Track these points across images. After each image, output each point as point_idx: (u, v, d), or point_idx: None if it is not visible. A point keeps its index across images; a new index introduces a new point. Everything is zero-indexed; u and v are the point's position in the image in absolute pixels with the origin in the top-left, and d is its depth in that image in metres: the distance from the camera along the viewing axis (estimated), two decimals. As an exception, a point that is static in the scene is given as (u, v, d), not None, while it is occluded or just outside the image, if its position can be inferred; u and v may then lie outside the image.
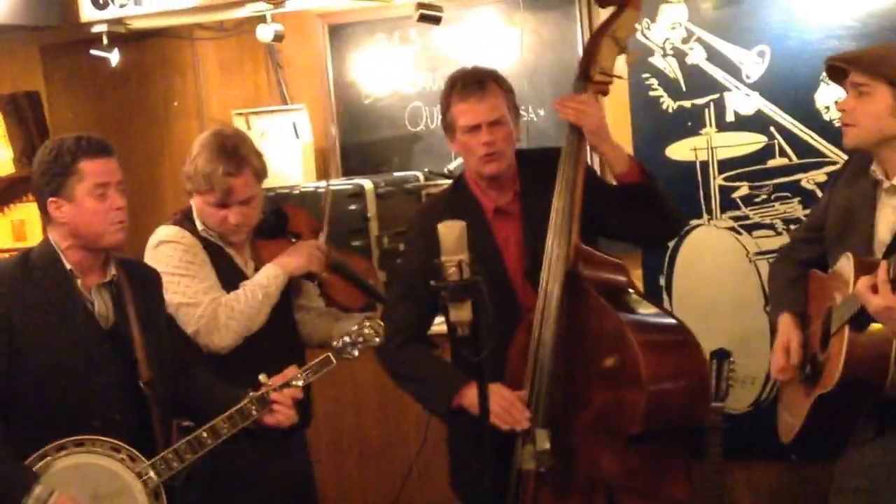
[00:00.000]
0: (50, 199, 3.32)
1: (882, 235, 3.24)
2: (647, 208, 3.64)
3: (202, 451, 3.36)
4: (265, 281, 3.82)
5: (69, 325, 3.30)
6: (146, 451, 3.31)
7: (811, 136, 4.55)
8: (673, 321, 3.60)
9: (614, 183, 3.72)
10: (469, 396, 3.50)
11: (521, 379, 3.54)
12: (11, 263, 3.39)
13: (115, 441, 3.27)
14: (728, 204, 4.70)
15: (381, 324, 3.63)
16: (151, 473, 3.28)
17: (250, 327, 3.77)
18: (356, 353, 3.60)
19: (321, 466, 4.24)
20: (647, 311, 3.60)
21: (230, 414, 3.40)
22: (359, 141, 5.47)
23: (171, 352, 3.54)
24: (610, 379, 3.43)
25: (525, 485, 3.55)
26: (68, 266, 3.33)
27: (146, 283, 3.53)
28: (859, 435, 3.33)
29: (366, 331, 3.61)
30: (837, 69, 3.37)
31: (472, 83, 3.67)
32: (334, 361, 3.57)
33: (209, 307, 3.73)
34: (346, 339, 3.60)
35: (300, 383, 3.52)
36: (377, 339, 3.61)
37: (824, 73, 3.61)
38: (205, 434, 3.37)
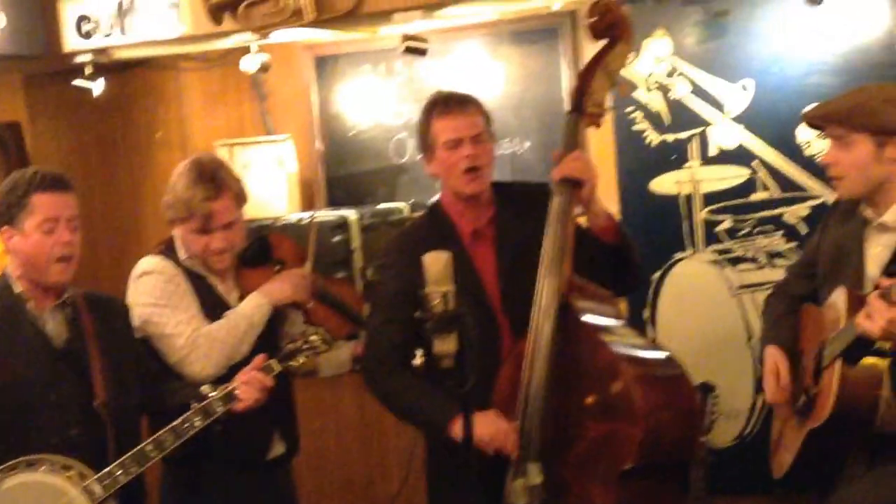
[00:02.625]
0: (4, 228, 3.44)
1: (871, 271, 3.27)
2: (617, 264, 3.63)
3: (147, 464, 3.43)
4: (249, 311, 3.80)
5: (20, 345, 3.41)
6: (103, 468, 3.39)
7: (794, 170, 4.57)
8: (664, 354, 3.57)
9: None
10: (459, 429, 3.49)
11: (509, 409, 3.52)
12: None
13: (68, 459, 3.35)
14: (712, 237, 4.71)
15: (328, 333, 3.71)
16: (97, 488, 3.35)
17: (232, 357, 3.75)
18: (302, 359, 3.67)
19: (303, 500, 4.20)
20: (638, 343, 3.59)
21: (173, 426, 3.47)
22: (344, 172, 5.46)
23: (135, 374, 3.60)
24: (604, 413, 3.40)
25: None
26: (18, 290, 3.45)
27: (108, 309, 3.63)
28: (850, 470, 3.35)
29: (312, 337, 3.69)
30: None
31: (453, 101, 3.71)
32: (276, 369, 3.62)
33: (191, 337, 3.72)
34: (291, 346, 3.66)
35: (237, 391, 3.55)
36: (324, 347, 3.70)
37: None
38: (149, 447, 3.44)
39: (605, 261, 3.60)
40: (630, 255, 3.64)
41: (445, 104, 3.71)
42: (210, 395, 3.51)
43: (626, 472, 3.33)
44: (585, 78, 3.64)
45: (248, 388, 3.52)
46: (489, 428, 3.44)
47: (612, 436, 3.37)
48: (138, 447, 3.43)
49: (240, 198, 3.84)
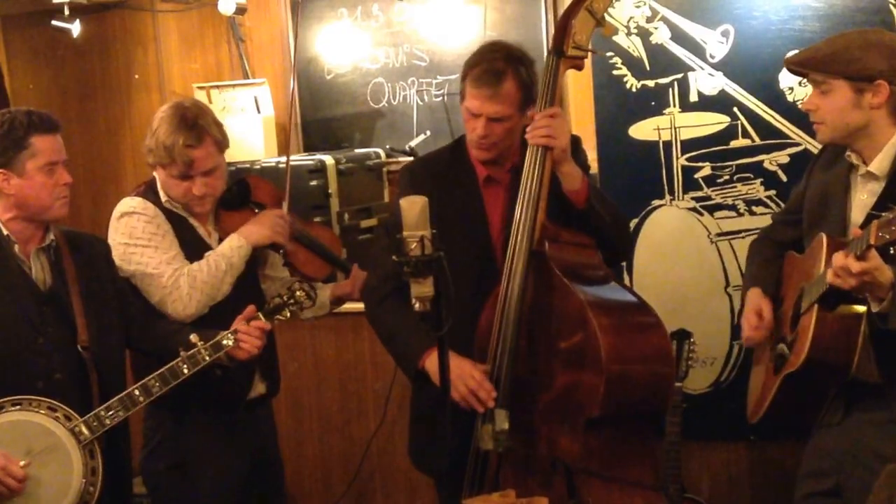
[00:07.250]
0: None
1: (855, 218, 3.27)
2: (593, 230, 3.61)
3: (134, 408, 3.46)
4: (229, 251, 3.82)
5: (7, 288, 3.41)
6: (88, 411, 3.40)
7: (774, 117, 4.55)
8: (637, 302, 3.54)
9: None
10: (432, 362, 3.50)
11: (487, 352, 3.53)
12: None
13: (53, 401, 3.37)
14: (690, 184, 4.69)
15: (313, 287, 3.73)
16: (84, 429, 3.37)
17: (214, 296, 3.79)
18: (287, 314, 3.68)
19: (281, 440, 4.23)
20: (612, 292, 3.56)
21: (161, 372, 3.49)
22: (320, 116, 5.43)
23: (118, 317, 3.62)
24: (571, 360, 3.40)
25: (487, 463, 3.54)
26: (5, 232, 3.44)
27: (89, 251, 3.63)
28: (827, 418, 3.37)
29: (297, 293, 3.69)
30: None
31: (489, 76, 3.58)
32: (263, 321, 3.64)
33: (172, 277, 3.74)
34: (277, 300, 3.68)
35: (230, 342, 3.56)
36: (309, 302, 3.71)
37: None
38: (136, 392, 3.46)
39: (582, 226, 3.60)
40: (602, 228, 3.60)
41: (483, 73, 3.59)
42: (198, 343, 3.52)
43: (592, 420, 3.34)
44: (567, 18, 3.54)
45: (249, 336, 3.57)
46: (463, 381, 3.45)
47: (578, 384, 3.37)
48: (126, 391, 3.46)
49: (221, 144, 3.86)
